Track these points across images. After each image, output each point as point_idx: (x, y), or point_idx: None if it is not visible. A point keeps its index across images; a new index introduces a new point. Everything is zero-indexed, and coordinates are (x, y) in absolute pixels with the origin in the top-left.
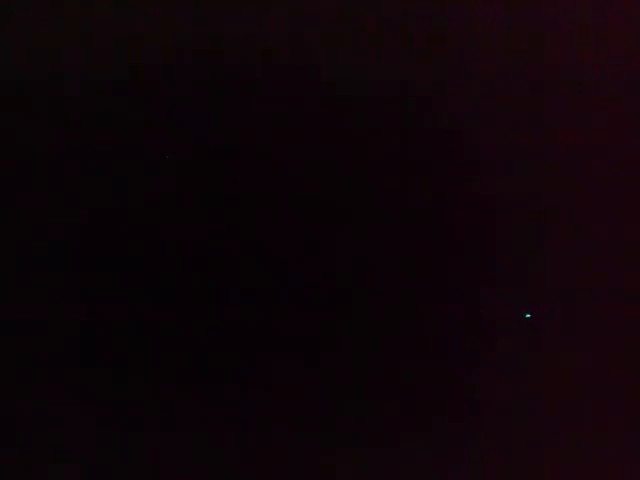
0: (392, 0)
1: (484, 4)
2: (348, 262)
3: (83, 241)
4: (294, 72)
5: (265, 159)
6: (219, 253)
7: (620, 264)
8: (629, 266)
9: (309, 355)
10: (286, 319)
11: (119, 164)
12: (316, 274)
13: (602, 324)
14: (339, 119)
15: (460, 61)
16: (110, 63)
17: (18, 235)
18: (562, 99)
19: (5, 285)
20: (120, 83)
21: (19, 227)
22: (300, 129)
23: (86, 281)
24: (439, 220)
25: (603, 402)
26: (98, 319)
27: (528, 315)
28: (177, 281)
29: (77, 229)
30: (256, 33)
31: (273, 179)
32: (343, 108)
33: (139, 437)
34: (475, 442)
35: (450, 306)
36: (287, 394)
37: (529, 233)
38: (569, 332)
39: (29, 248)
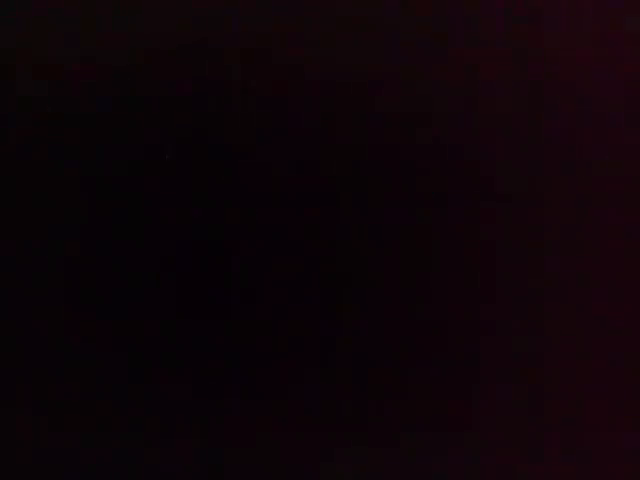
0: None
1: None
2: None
3: (82, 241)
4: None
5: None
6: (219, 252)
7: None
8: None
9: (310, 355)
10: (286, 319)
11: (119, 163)
12: (316, 278)
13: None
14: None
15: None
16: (108, 62)
17: (17, 235)
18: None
19: (5, 285)
20: (119, 81)
21: (18, 226)
22: (301, 128)
23: (85, 282)
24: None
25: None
26: (97, 320)
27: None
28: (177, 281)
29: (76, 229)
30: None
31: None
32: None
33: (139, 438)
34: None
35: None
36: (288, 394)
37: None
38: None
39: (28, 248)
